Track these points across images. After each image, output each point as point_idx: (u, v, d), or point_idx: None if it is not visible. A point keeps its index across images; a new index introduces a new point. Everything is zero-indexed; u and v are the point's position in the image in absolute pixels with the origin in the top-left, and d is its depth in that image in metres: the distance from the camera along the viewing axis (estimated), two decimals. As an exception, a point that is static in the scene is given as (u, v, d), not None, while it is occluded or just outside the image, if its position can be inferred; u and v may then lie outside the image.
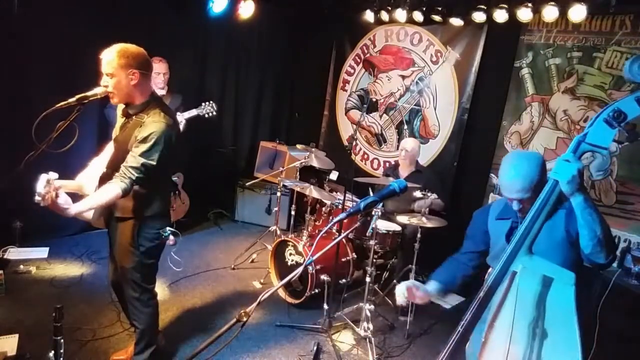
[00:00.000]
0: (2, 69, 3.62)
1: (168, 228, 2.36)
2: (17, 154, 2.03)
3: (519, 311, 1.55)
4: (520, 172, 1.75)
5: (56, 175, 1.87)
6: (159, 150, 2.11)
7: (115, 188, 2.04)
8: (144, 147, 2.09)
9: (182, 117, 4.00)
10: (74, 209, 1.96)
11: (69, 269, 3.77)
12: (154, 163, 2.11)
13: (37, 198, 1.81)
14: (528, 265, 1.57)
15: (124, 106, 2.27)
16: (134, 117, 2.21)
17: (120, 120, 2.32)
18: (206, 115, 4.11)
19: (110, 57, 2.10)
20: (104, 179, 2.20)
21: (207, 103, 4.12)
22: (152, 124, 2.13)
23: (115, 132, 2.36)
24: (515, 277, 1.58)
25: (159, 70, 3.96)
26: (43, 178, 1.82)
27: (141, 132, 2.12)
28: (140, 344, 2.50)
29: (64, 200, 1.90)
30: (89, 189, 2.26)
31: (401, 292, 1.95)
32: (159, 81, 3.99)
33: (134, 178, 2.07)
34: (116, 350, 2.79)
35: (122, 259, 2.35)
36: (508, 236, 1.85)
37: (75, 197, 2.08)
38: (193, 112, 4.08)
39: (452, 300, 3.99)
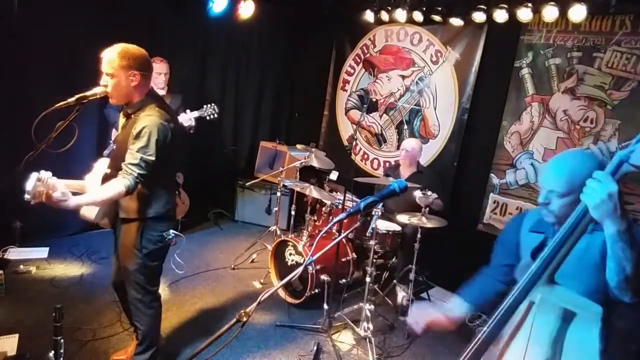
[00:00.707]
0: (2, 69, 3.62)
1: (172, 231, 2.36)
2: (17, 154, 2.03)
3: (530, 351, 1.35)
4: (566, 162, 1.53)
5: (49, 173, 1.84)
6: (154, 144, 2.09)
7: (118, 185, 2.03)
8: (140, 142, 2.08)
9: (191, 116, 4.00)
10: (72, 201, 1.93)
11: (69, 269, 3.78)
12: (153, 158, 2.09)
13: (27, 196, 1.79)
14: (548, 296, 1.36)
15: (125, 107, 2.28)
16: (132, 115, 2.21)
17: (121, 120, 2.33)
18: (208, 118, 4.11)
19: (111, 57, 2.09)
20: (107, 179, 2.20)
21: (209, 105, 4.12)
22: (144, 118, 2.12)
23: (117, 132, 2.37)
24: (532, 308, 1.39)
25: (160, 70, 3.96)
26: (33, 177, 1.80)
27: (135, 128, 2.11)
28: (142, 345, 2.50)
29: (60, 194, 1.87)
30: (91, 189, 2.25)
31: (414, 319, 1.69)
32: (159, 81, 3.99)
33: (135, 174, 2.05)
34: (116, 350, 2.79)
35: (125, 260, 2.35)
36: (534, 253, 1.62)
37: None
38: (195, 114, 4.08)
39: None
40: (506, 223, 1.94)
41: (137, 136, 2.08)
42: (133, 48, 2.15)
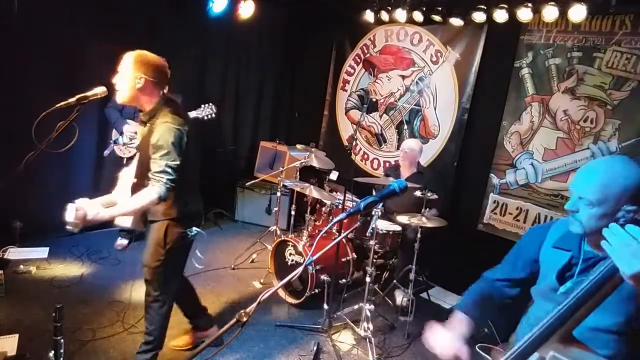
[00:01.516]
0: (2, 69, 3.62)
1: (194, 228, 2.45)
2: (17, 154, 2.03)
3: None
4: (602, 168, 1.35)
5: (83, 200, 1.98)
6: (174, 149, 2.17)
7: (150, 194, 2.11)
8: (161, 151, 2.16)
9: None
10: (107, 213, 2.05)
11: (69, 269, 3.78)
12: (177, 162, 2.17)
13: (69, 228, 1.93)
14: (561, 356, 1.21)
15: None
16: (148, 124, 2.29)
17: (139, 128, 2.40)
18: (205, 118, 4.08)
19: (129, 57, 2.22)
20: (135, 188, 2.28)
21: (207, 105, 4.09)
22: (160, 126, 2.20)
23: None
24: None
25: None
26: (71, 207, 1.93)
27: (153, 137, 2.19)
28: (148, 345, 2.53)
29: (95, 212, 2.00)
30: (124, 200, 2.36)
31: (439, 349, 1.47)
32: None
33: (164, 180, 2.13)
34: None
35: (149, 257, 2.42)
36: (561, 275, 1.45)
37: None
38: (192, 114, 4.06)
39: (451, 301, 4.00)
40: (526, 234, 1.69)
41: (156, 145, 2.17)
42: (151, 56, 2.26)
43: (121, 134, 3.95)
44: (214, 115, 4.12)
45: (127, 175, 2.40)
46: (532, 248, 1.59)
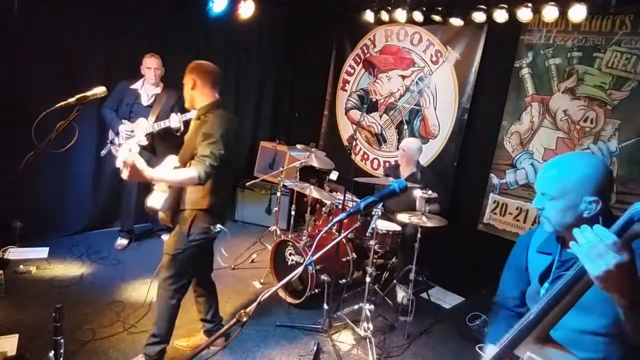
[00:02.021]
0: (2, 69, 3.62)
1: (218, 225, 2.53)
2: (17, 154, 2.03)
3: None
4: (558, 163, 1.38)
5: (137, 147, 2.05)
6: (221, 140, 2.34)
7: (192, 171, 2.25)
8: (209, 139, 2.34)
9: (181, 118, 3.97)
10: (149, 172, 2.12)
11: (69, 269, 3.77)
12: (222, 152, 2.34)
13: (118, 164, 2.06)
14: (537, 356, 1.21)
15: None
16: (201, 117, 2.48)
17: (192, 121, 2.59)
18: None
19: (187, 69, 2.51)
20: None
21: None
22: (212, 121, 2.42)
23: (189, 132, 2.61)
24: None
25: (150, 65, 3.93)
26: (125, 147, 2.09)
27: (205, 127, 2.39)
28: (155, 337, 2.56)
29: (141, 165, 2.06)
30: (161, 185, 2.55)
31: None
32: (150, 76, 3.95)
33: (207, 164, 2.27)
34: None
35: (171, 244, 2.51)
36: (542, 277, 1.47)
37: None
38: (187, 116, 4.05)
39: (451, 301, 4.00)
40: (515, 246, 1.69)
41: (207, 134, 2.36)
42: (200, 62, 2.53)
43: (117, 134, 3.93)
44: None
45: (170, 161, 2.57)
46: (521, 257, 1.62)
